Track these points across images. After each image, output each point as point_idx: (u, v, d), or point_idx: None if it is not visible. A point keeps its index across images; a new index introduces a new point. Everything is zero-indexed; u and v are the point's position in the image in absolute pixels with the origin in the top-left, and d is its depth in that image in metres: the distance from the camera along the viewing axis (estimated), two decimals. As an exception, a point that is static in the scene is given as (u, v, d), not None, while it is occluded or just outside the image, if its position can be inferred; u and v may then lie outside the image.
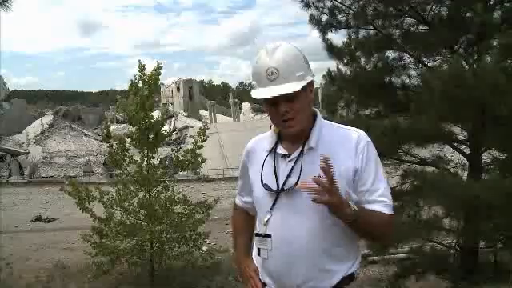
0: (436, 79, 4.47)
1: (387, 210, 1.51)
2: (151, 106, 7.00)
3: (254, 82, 1.54)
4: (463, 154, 5.66)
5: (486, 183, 4.66)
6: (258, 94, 1.50)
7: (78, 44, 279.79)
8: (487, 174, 5.52)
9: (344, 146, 1.53)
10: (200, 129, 7.48)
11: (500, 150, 5.31)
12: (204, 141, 7.21)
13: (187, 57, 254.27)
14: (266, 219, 1.55)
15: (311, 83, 1.54)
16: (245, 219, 1.80)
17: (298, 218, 1.50)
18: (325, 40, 6.21)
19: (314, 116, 1.59)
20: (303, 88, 1.47)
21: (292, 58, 1.48)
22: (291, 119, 1.49)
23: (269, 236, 1.54)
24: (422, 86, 5.56)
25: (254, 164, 1.65)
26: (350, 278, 1.55)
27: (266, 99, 1.50)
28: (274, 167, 1.57)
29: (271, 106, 1.50)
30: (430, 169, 5.68)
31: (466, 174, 5.65)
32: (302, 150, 1.53)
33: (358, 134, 1.55)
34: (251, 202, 1.70)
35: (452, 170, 5.68)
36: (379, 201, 1.51)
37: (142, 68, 6.88)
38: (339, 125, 1.62)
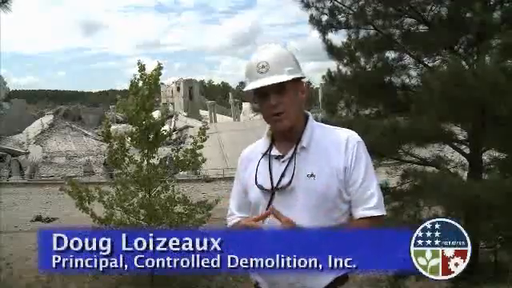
0: (435, 80, 4.48)
1: (374, 212, 1.53)
2: (151, 106, 7.00)
3: (246, 79, 1.60)
4: (463, 154, 5.66)
5: (486, 183, 4.67)
6: (248, 86, 1.56)
7: (78, 44, 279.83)
8: (487, 173, 5.52)
9: (334, 145, 1.57)
10: (200, 129, 7.48)
11: (500, 150, 5.31)
12: (204, 141, 7.21)
13: (188, 57, 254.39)
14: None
15: (302, 85, 1.59)
16: None
17: (291, 217, 1.50)
18: (325, 40, 6.21)
19: (306, 118, 1.63)
20: (293, 81, 1.53)
21: (282, 55, 1.56)
22: (281, 113, 1.53)
23: None
24: (421, 86, 5.56)
25: (248, 169, 1.68)
26: (343, 278, 1.55)
27: (257, 93, 1.55)
28: (269, 168, 1.60)
29: (262, 99, 1.55)
30: (430, 169, 5.68)
31: (466, 174, 5.65)
32: (295, 150, 1.57)
33: (348, 134, 1.59)
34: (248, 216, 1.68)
35: (452, 170, 5.68)
36: (366, 203, 1.53)
37: (141, 68, 6.88)
38: (331, 126, 1.66)
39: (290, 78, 1.51)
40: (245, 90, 1.60)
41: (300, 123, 1.60)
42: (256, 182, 1.60)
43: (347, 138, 1.57)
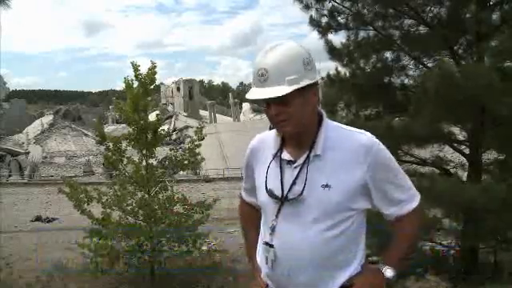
0: (429, 81, 4.47)
1: (414, 204, 1.53)
2: (145, 106, 6.94)
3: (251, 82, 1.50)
4: (463, 154, 5.66)
5: (482, 186, 4.61)
6: (249, 94, 1.44)
7: (79, 44, 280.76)
8: (487, 174, 5.52)
9: (353, 152, 1.44)
10: (197, 128, 7.47)
11: (499, 151, 5.31)
12: (202, 139, 7.19)
13: (189, 57, 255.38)
14: (271, 227, 1.52)
15: (314, 88, 1.45)
16: (251, 211, 1.77)
17: (302, 228, 1.45)
18: (325, 41, 6.21)
19: (320, 117, 1.50)
20: (300, 90, 1.38)
21: (288, 60, 1.38)
22: (283, 121, 1.41)
23: (272, 246, 1.51)
24: (419, 87, 5.57)
25: (259, 165, 1.60)
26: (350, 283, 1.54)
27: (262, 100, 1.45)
28: (280, 173, 1.51)
29: (267, 106, 1.44)
30: (430, 169, 5.69)
31: (465, 174, 5.65)
32: (308, 157, 1.46)
33: (367, 139, 1.46)
34: (255, 202, 1.68)
35: (452, 171, 5.69)
36: (404, 197, 1.52)
37: (136, 69, 6.85)
38: (347, 127, 1.52)
39: (289, 90, 1.35)
40: (246, 96, 1.46)
41: (312, 126, 1.46)
42: (266, 188, 1.52)
43: (366, 144, 1.44)
